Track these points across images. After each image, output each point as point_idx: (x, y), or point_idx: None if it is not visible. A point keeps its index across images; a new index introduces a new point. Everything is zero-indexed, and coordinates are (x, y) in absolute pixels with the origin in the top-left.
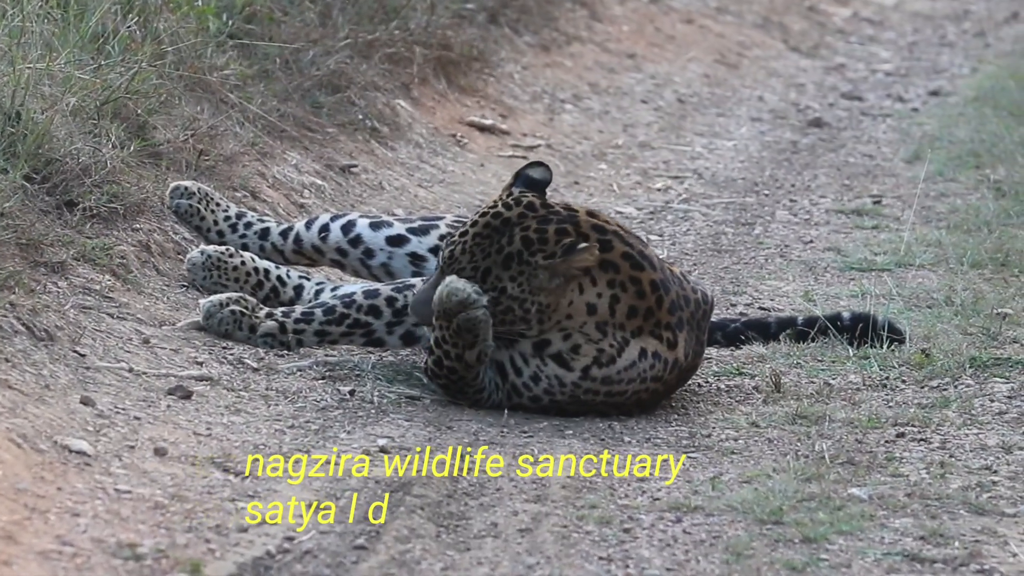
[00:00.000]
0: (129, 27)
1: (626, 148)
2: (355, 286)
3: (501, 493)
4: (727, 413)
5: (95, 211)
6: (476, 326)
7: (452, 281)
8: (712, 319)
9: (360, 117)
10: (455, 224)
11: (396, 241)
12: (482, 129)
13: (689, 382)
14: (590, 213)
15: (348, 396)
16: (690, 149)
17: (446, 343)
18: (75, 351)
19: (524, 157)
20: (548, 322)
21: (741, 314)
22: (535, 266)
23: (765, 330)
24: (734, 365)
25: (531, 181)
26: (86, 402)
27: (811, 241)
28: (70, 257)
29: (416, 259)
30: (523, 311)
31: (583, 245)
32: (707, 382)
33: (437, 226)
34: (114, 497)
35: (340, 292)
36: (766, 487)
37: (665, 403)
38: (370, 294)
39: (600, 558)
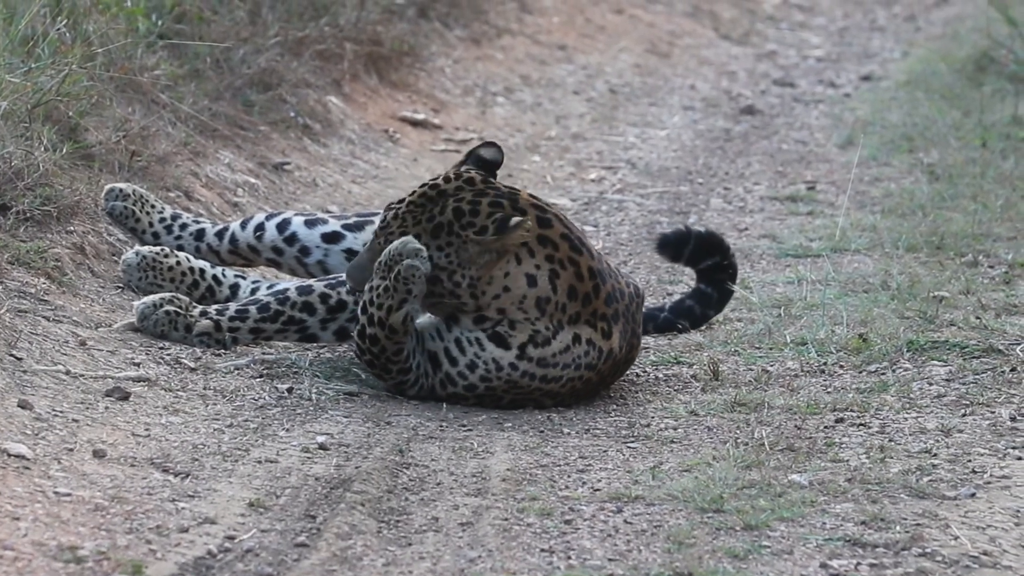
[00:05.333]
0: (59, 29)
1: (559, 140)
2: (289, 283)
3: (442, 487)
4: (666, 402)
5: (28, 214)
6: (413, 276)
7: (408, 239)
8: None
9: (292, 115)
10: None
11: (332, 238)
12: (414, 124)
13: (627, 373)
14: (532, 196)
15: (286, 394)
16: (623, 139)
17: (372, 305)
18: (11, 355)
19: (457, 151)
20: (483, 297)
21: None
22: (464, 239)
23: (690, 314)
24: (672, 354)
25: (482, 161)
26: (24, 405)
27: (746, 228)
28: (4, 261)
29: (352, 255)
30: (452, 284)
31: (516, 219)
32: (645, 371)
33: (372, 222)
34: (54, 500)
35: (275, 289)
36: (706, 475)
37: (604, 394)
38: (304, 291)
39: (542, 550)
